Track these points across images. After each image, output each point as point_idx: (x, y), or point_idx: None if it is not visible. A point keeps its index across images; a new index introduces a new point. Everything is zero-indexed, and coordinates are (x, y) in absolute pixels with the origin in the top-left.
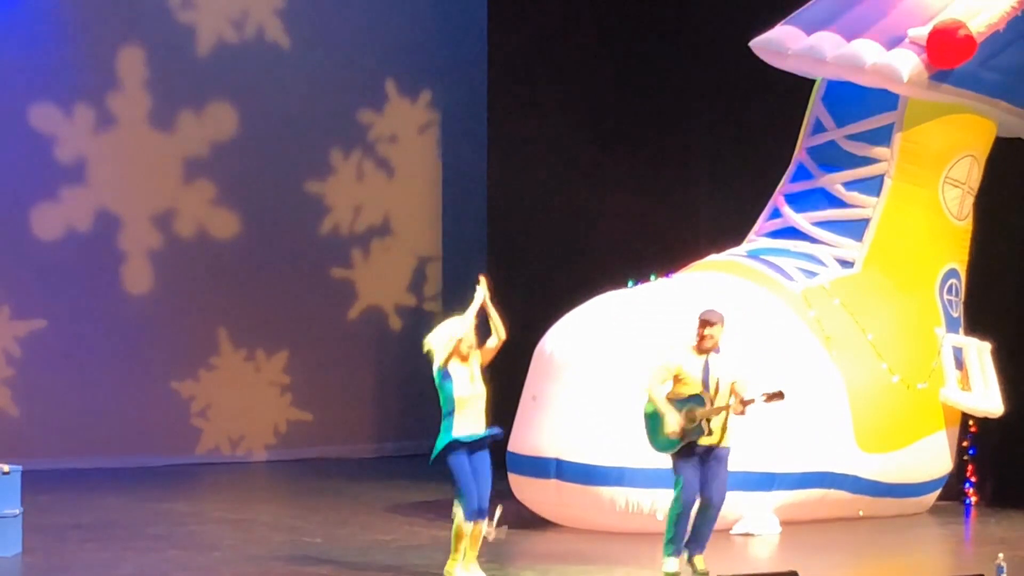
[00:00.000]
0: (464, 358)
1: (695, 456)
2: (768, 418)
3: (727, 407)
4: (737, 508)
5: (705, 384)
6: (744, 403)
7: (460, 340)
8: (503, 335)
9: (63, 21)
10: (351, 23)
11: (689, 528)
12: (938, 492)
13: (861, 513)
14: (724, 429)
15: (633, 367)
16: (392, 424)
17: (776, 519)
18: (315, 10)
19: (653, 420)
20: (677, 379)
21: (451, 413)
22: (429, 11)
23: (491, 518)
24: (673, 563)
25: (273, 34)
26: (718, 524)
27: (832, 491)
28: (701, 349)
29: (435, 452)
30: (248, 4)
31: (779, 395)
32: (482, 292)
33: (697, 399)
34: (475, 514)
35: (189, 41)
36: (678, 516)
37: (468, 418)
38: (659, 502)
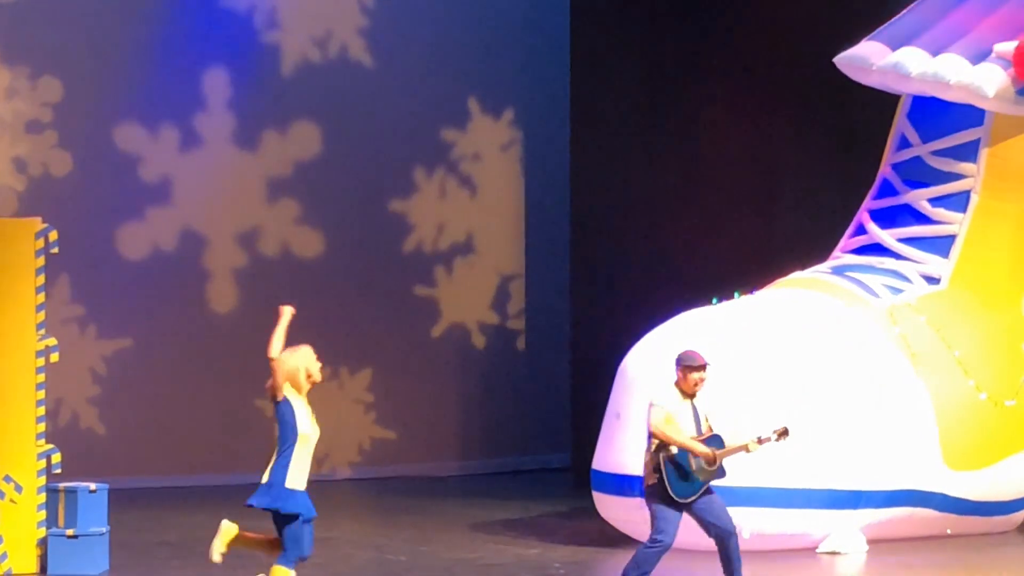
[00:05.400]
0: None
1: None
2: (854, 435)
3: (744, 446)
4: (824, 526)
5: (698, 427)
6: (760, 441)
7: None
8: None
9: (149, 42)
10: (434, 41)
11: (726, 567)
12: None
13: (949, 531)
14: None
15: (717, 386)
16: (476, 442)
17: (863, 537)
18: (398, 29)
19: (673, 470)
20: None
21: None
22: (512, 29)
23: None
24: None
25: (356, 53)
26: (803, 541)
27: (919, 509)
28: (685, 392)
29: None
30: (331, 24)
31: (785, 433)
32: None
33: (715, 440)
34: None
35: (273, 61)
36: (652, 555)
37: (304, 463)
38: (745, 520)
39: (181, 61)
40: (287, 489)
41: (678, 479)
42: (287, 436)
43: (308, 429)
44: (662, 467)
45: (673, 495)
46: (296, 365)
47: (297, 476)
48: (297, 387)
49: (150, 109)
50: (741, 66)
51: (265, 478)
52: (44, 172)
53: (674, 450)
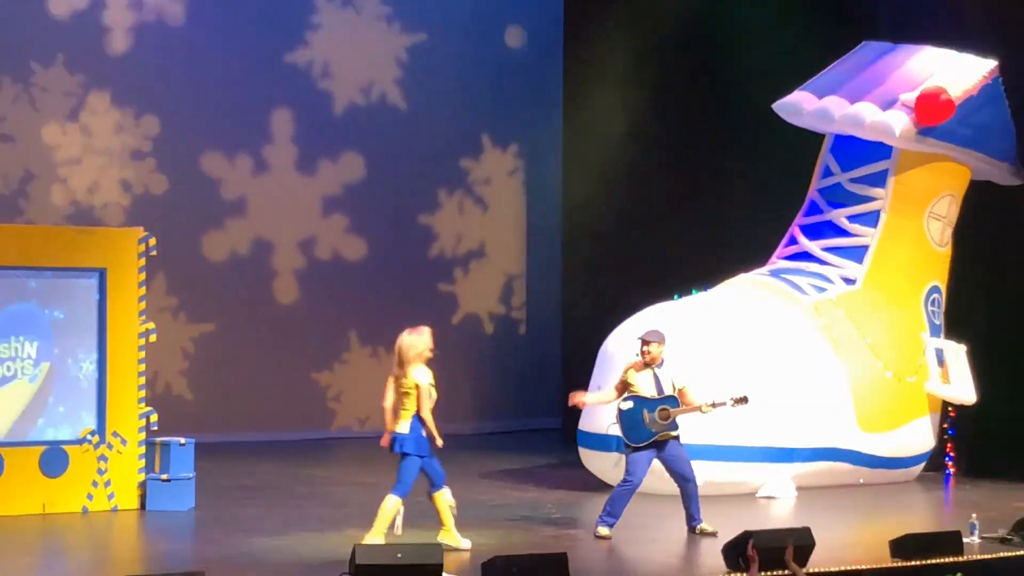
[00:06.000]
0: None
1: (653, 446)
2: (787, 404)
3: (698, 407)
4: (761, 476)
5: (659, 390)
6: (714, 405)
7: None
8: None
9: (228, 88)
10: (455, 89)
11: (686, 507)
12: (923, 464)
13: (862, 481)
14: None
15: (678, 362)
16: (485, 407)
17: (793, 485)
18: (426, 79)
19: (628, 419)
20: (629, 389)
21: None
22: (515, 79)
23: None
24: (606, 529)
25: (393, 99)
26: (745, 488)
27: (839, 463)
28: (645, 364)
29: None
30: (374, 75)
31: (744, 400)
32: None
33: (671, 400)
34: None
35: (327, 104)
36: (625, 493)
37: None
38: (698, 470)
39: (254, 104)
40: (399, 435)
41: (630, 428)
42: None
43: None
44: (618, 419)
45: (626, 440)
46: (424, 346)
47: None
48: (424, 362)
49: (229, 141)
50: (699, 114)
51: (406, 429)
52: (145, 191)
53: (624, 406)
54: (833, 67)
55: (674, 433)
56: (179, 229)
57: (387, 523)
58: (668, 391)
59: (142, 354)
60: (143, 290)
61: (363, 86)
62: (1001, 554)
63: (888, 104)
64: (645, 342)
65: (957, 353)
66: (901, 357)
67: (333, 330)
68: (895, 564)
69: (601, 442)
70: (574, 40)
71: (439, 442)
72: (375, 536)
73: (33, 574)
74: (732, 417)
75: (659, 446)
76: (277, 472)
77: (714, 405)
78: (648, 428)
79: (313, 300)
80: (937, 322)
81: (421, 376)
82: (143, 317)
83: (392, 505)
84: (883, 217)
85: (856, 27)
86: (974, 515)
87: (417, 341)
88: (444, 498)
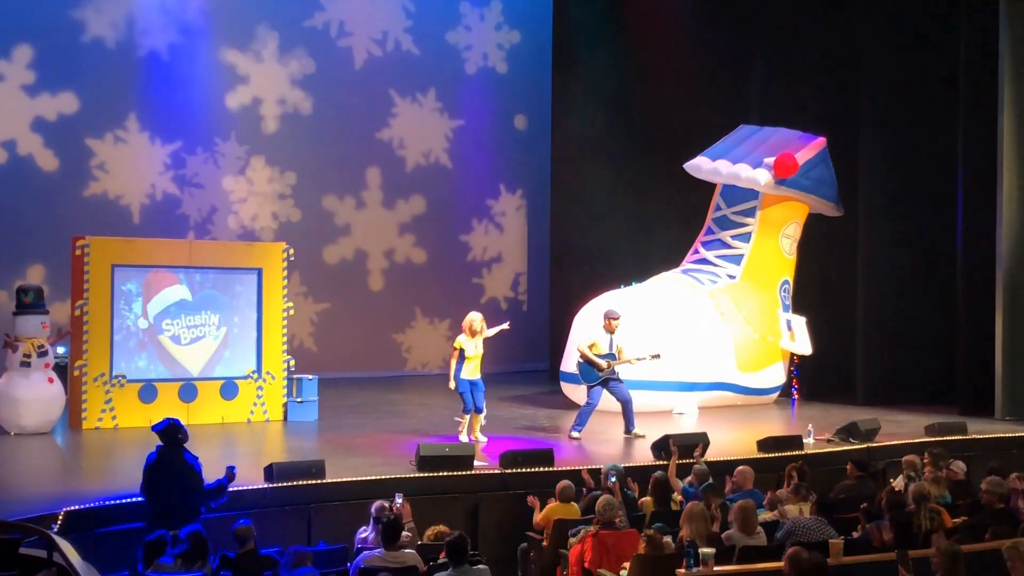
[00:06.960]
0: (474, 334)
1: (601, 383)
2: (692, 355)
3: (629, 360)
4: (676, 400)
5: (611, 349)
6: (637, 359)
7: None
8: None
9: (339, 153)
10: (482, 155)
11: (624, 419)
12: (778, 393)
13: (739, 403)
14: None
15: (624, 328)
16: (501, 354)
17: (696, 406)
18: (465, 149)
19: (584, 367)
20: (592, 347)
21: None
22: (521, 149)
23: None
24: (577, 433)
25: (443, 161)
26: (665, 407)
27: (725, 392)
28: (608, 331)
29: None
30: (431, 146)
31: (657, 356)
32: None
33: (611, 356)
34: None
35: (402, 164)
36: (587, 411)
37: (471, 366)
38: (637, 397)
39: (356, 164)
40: (461, 379)
41: (586, 372)
42: (462, 356)
43: (472, 352)
44: (579, 367)
45: (583, 380)
46: (468, 321)
47: (467, 373)
48: (471, 333)
49: (340, 188)
50: (640, 171)
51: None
52: (287, 219)
53: (581, 361)
54: (721, 141)
55: (615, 375)
56: (308, 244)
57: (464, 426)
58: (613, 350)
59: (284, 322)
60: (285, 282)
61: (424, 152)
62: (826, 450)
63: (757, 164)
64: (608, 318)
65: (799, 322)
66: (764, 324)
67: (405, 307)
68: (760, 455)
69: (571, 378)
70: (559, 123)
71: (450, 384)
72: (463, 434)
73: (219, 459)
74: (658, 365)
75: (606, 383)
76: (369, 396)
77: (638, 359)
78: (598, 373)
79: (393, 288)
80: (787, 302)
81: (457, 339)
82: (285, 299)
83: (463, 416)
84: (753, 237)
85: (736, 113)
86: (810, 425)
87: (465, 320)
88: (479, 416)
